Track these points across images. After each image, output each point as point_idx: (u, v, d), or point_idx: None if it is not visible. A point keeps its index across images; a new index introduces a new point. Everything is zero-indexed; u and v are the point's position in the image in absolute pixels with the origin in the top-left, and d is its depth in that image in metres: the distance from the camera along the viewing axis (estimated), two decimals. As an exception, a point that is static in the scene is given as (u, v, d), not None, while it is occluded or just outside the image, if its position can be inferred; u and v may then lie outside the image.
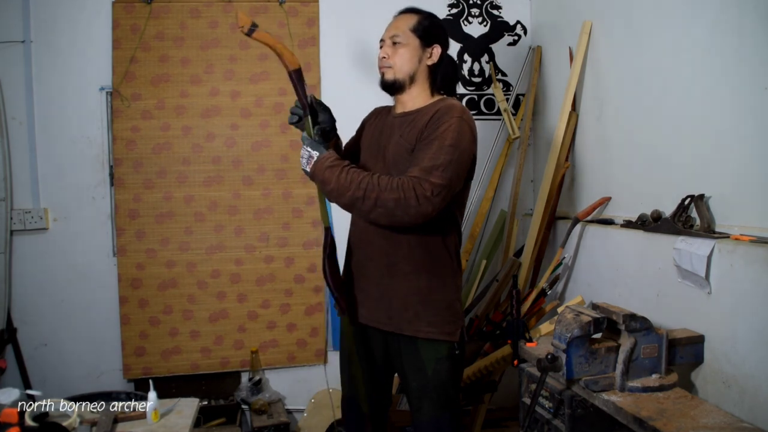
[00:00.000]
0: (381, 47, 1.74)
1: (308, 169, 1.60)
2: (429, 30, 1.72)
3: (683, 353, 1.68)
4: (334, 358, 1.94)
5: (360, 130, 1.92)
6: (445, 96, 1.76)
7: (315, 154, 1.60)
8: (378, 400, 1.86)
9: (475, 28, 2.99)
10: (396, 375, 1.84)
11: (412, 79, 1.72)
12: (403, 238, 1.66)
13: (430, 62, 1.72)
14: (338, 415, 2.74)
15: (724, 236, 1.65)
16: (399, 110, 1.77)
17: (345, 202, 1.56)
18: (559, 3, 2.76)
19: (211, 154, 2.76)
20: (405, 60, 1.70)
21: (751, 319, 1.54)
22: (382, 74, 1.74)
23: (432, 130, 1.59)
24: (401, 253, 1.67)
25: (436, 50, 1.72)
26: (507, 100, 2.96)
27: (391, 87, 1.73)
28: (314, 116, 1.64)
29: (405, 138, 1.67)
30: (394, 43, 1.71)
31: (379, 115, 1.87)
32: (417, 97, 1.74)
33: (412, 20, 1.72)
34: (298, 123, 1.66)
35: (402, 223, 1.56)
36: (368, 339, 1.78)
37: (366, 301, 1.74)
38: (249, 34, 1.53)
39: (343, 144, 1.89)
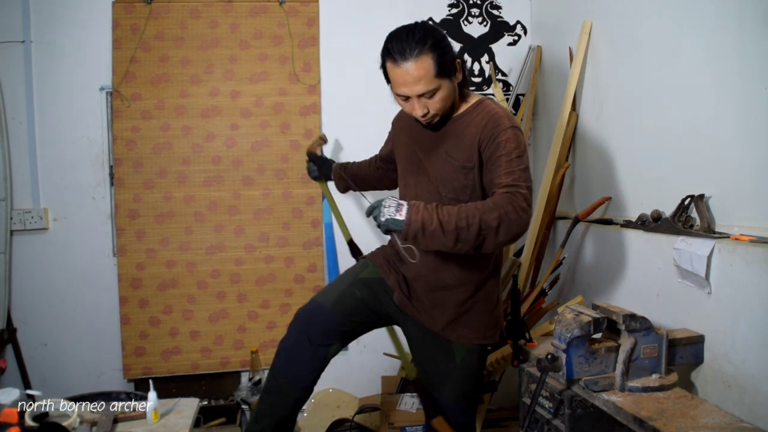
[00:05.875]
0: (405, 100, 1.61)
1: (399, 216, 1.47)
2: (448, 60, 1.60)
3: (683, 353, 1.68)
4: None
5: (392, 135, 1.94)
6: (474, 95, 1.73)
7: (403, 201, 1.50)
8: (347, 322, 1.80)
9: (475, 28, 2.99)
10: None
11: (453, 103, 1.68)
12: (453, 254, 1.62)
13: (458, 80, 1.66)
14: (338, 415, 2.74)
15: (724, 236, 1.65)
16: None
17: (449, 237, 1.47)
18: (559, 3, 2.76)
19: (211, 154, 2.76)
20: (446, 99, 1.62)
21: (751, 319, 1.54)
22: (428, 123, 1.67)
23: (494, 150, 1.58)
24: (450, 268, 1.70)
25: (458, 67, 1.65)
26: (507, 100, 2.96)
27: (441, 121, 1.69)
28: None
29: (452, 155, 1.65)
30: (429, 97, 1.60)
31: (408, 119, 1.79)
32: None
33: (429, 64, 1.56)
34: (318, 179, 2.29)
35: (508, 238, 1.51)
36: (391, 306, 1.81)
37: (417, 303, 1.79)
38: None
39: (355, 159, 2.13)
